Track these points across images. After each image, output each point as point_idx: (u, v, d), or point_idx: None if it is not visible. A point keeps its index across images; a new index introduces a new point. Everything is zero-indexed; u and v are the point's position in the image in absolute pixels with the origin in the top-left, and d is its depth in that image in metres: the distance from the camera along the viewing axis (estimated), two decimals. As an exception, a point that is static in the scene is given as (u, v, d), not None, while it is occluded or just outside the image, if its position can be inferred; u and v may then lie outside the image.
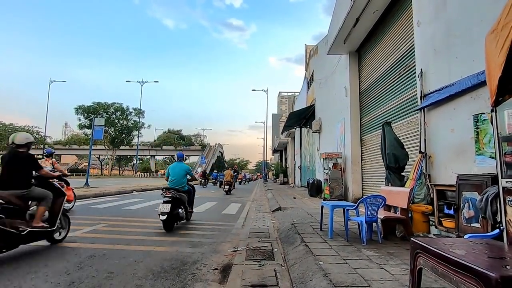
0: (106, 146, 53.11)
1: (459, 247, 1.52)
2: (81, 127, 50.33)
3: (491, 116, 1.78)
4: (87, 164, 20.57)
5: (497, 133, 1.74)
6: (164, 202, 5.40)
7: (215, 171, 33.11)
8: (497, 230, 1.86)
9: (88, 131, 50.46)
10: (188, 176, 6.31)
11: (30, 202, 3.91)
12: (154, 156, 73.63)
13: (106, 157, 60.29)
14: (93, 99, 75.49)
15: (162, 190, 5.76)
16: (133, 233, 5.16)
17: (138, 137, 47.22)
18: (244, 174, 43.27)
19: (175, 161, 6.50)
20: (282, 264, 3.51)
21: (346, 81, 10.47)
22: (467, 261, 1.26)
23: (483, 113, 3.78)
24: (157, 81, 42.82)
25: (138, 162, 60.40)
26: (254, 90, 42.78)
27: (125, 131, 53.61)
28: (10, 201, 3.57)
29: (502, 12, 1.63)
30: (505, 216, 1.65)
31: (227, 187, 15.99)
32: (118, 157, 69.58)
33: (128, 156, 76.41)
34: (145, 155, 75.34)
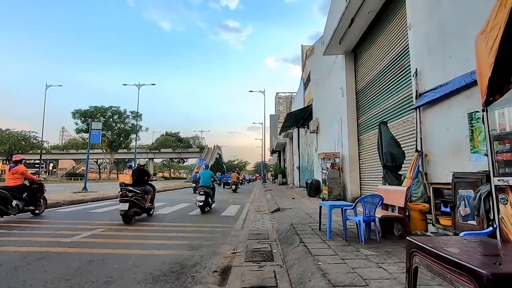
0: (104, 150, 52.89)
1: (453, 245, 1.55)
2: (78, 131, 50.18)
3: (483, 116, 1.81)
4: (85, 168, 20.49)
5: (489, 133, 1.77)
6: (200, 194, 8.46)
7: (218, 173, 33.68)
8: (491, 228, 1.89)
9: (86, 135, 50.26)
10: (212, 179, 9.27)
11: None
12: (152, 159, 73.36)
13: (104, 161, 60.06)
14: (90, 103, 75.33)
15: (198, 188, 8.96)
16: (132, 237, 5.16)
17: (136, 140, 47.00)
18: (244, 175, 44.42)
19: (204, 168, 10.02)
20: (281, 265, 3.52)
21: (343, 81, 10.52)
22: (460, 259, 1.28)
23: (477, 112, 3.82)
24: (154, 84, 42.41)
25: (136, 165, 60.33)
26: (251, 91, 42.65)
27: (122, 135, 53.45)
28: (140, 192, 7.08)
29: (490, 13, 1.66)
30: (498, 213, 1.68)
31: (233, 186, 20.06)
32: (116, 160, 69.32)
33: (126, 160, 76.07)
34: (143, 158, 75.08)
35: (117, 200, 12.00)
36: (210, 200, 8.91)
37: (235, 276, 3.17)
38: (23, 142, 45.24)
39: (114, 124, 52.13)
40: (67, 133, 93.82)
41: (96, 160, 66.11)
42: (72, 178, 59.60)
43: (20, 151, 45.97)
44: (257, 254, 4.01)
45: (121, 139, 53.51)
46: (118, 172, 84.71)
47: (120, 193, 6.80)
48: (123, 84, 38.06)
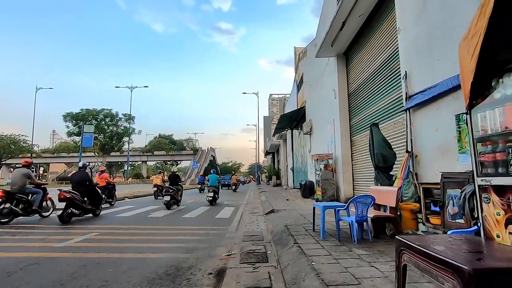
0: (96, 153, 52.22)
1: (439, 243, 1.62)
2: (69, 134, 49.45)
3: (466, 119, 1.89)
4: (77, 172, 20.20)
5: (472, 134, 1.86)
6: (209, 192, 11.70)
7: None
8: (475, 227, 1.97)
9: (77, 138, 49.55)
10: (217, 181, 12.40)
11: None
12: (145, 161, 72.71)
13: (96, 164, 59.31)
14: (81, 106, 74.37)
15: (208, 187, 12.17)
16: (126, 241, 5.14)
17: (128, 143, 46.56)
18: (239, 178, 45.61)
19: (212, 173, 12.91)
20: (276, 266, 3.57)
21: (335, 83, 10.65)
22: (445, 256, 1.35)
23: (465, 113, 3.94)
24: (147, 86, 42.51)
25: (129, 168, 59.58)
26: (245, 93, 42.94)
27: (115, 138, 52.87)
28: (175, 189, 10.51)
29: (471, 21, 1.75)
30: (481, 212, 1.76)
31: (233, 186, 24.48)
32: (108, 163, 68.53)
33: (119, 163, 75.27)
34: (136, 161, 74.39)
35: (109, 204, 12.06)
36: (216, 196, 12.06)
37: (230, 278, 3.20)
38: (13, 146, 44.38)
39: (106, 127, 51.53)
40: (58, 136, 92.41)
41: (88, 163, 65.16)
42: (64, 182, 58.57)
43: (9, 155, 45.14)
44: (252, 255, 4.05)
45: (114, 142, 52.89)
46: (111, 176, 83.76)
47: (165, 189, 10.73)
48: (116, 87, 38.03)
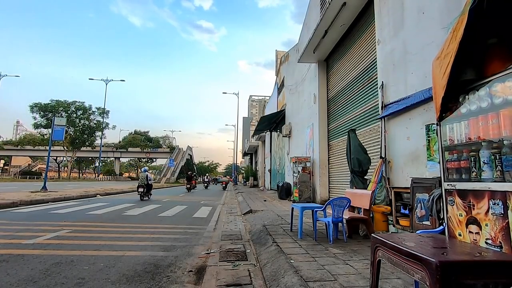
0: (65, 147, 49.53)
1: (410, 240, 1.80)
2: (36, 126, 46.45)
3: (437, 129, 2.10)
4: (44, 166, 19.10)
5: (441, 144, 2.07)
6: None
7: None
8: (441, 227, 2.19)
9: (45, 131, 46.81)
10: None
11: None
12: (118, 158, 70.02)
13: (64, 159, 56.12)
14: (50, 97, 70.16)
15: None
16: (101, 239, 5.00)
17: (101, 138, 44.52)
18: (218, 178, 47.89)
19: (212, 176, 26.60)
20: (255, 264, 3.66)
21: (315, 88, 10.98)
22: (414, 251, 1.53)
23: (433, 124, 4.27)
24: (123, 80, 40.81)
25: (100, 164, 57.02)
26: (225, 93, 42.87)
27: (87, 132, 50.49)
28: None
29: (444, 43, 1.96)
30: (447, 213, 1.97)
31: (224, 185, 29.35)
32: (78, 158, 65.27)
33: (90, 158, 71.97)
34: (108, 157, 71.52)
35: (81, 201, 11.60)
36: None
37: (210, 275, 3.25)
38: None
39: (77, 120, 49.06)
40: (23, 128, 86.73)
41: (55, 158, 61.60)
42: (28, 176, 54.97)
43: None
44: (231, 254, 4.12)
45: (85, 136, 50.49)
46: (80, 172, 79.62)
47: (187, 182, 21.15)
48: (89, 79, 36.29)
